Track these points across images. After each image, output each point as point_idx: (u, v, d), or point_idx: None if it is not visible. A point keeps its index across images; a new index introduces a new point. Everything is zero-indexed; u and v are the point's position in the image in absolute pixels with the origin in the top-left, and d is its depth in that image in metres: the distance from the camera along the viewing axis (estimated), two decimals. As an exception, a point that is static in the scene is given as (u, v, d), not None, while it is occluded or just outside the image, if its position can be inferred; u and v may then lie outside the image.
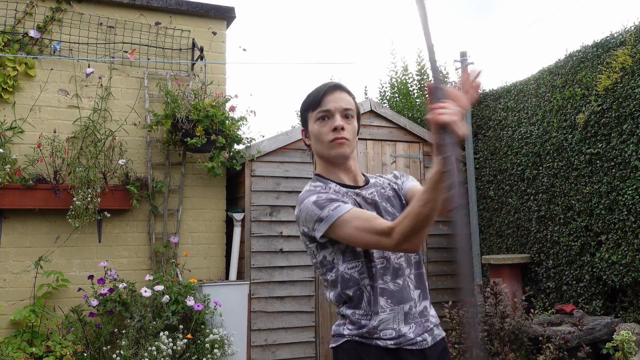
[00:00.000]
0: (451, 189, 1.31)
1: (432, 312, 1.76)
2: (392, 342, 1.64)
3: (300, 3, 18.88)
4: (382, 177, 1.91)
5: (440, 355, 1.72)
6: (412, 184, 1.87)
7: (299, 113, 1.88)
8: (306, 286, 5.16)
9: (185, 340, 4.25)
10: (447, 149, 1.33)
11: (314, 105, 1.75)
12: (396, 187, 1.86)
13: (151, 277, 4.58)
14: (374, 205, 1.75)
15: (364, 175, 1.86)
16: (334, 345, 1.73)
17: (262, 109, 14.49)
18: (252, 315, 4.94)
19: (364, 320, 1.66)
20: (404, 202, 1.83)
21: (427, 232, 1.56)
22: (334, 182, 1.77)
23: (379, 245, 1.59)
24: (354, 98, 1.79)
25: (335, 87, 1.76)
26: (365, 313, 1.67)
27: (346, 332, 1.69)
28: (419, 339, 1.67)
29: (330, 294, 1.75)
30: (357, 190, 1.77)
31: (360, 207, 1.72)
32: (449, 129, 1.33)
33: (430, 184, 1.45)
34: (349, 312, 1.69)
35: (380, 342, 1.64)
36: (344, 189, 1.75)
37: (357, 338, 1.66)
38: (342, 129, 1.71)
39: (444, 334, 1.78)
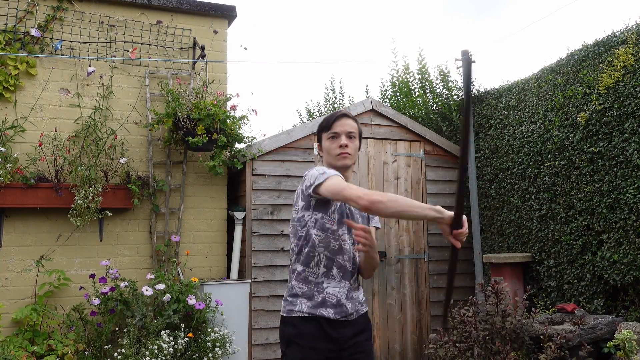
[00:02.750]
0: None
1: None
2: (333, 309, 2.23)
3: (301, 2, 18.86)
4: None
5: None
6: None
7: (317, 133, 2.47)
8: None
9: (186, 339, 4.26)
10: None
11: (326, 127, 2.38)
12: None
13: (152, 276, 4.58)
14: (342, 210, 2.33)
15: None
16: (283, 314, 2.28)
17: (263, 107, 14.51)
18: (253, 314, 4.94)
19: (311, 277, 2.25)
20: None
21: (382, 210, 1.97)
22: None
23: (351, 197, 2.03)
24: (357, 123, 2.40)
25: (343, 115, 2.37)
26: (315, 273, 2.25)
27: (297, 306, 2.24)
28: (354, 313, 2.28)
29: (293, 244, 2.32)
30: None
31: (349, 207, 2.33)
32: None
33: (419, 211, 2.03)
34: (299, 267, 2.27)
35: (324, 311, 2.22)
36: None
37: (305, 309, 2.22)
38: (346, 146, 2.32)
39: (366, 309, 2.38)
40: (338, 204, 2.28)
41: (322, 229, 2.25)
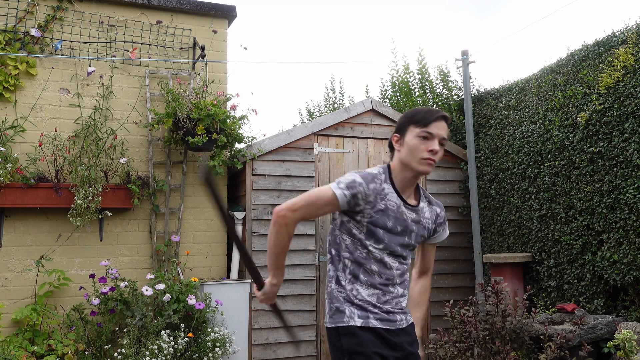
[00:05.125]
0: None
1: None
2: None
3: (301, 2, 18.87)
4: (432, 204, 2.23)
5: None
6: (438, 239, 2.28)
7: (401, 120, 2.13)
8: (307, 285, 5.16)
9: (186, 339, 4.26)
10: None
11: (421, 123, 2.05)
12: (430, 227, 2.21)
13: (152, 276, 4.58)
14: (401, 223, 2.08)
15: (419, 191, 2.20)
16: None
17: (263, 107, 14.53)
18: (253, 314, 4.94)
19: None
20: (425, 238, 2.22)
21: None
22: (394, 187, 2.09)
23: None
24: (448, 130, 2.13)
25: (444, 118, 2.07)
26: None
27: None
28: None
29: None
30: (404, 208, 2.10)
31: (404, 218, 2.09)
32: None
33: (271, 259, 2.10)
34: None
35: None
36: (398, 200, 2.08)
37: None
38: (436, 153, 2.04)
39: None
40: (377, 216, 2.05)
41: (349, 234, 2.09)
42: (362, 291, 2.05)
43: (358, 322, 2.02)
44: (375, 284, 2.06)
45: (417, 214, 2.13)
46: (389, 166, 2.14)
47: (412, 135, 2.06)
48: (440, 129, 2.04)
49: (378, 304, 2.05)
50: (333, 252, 2.12)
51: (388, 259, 2.08)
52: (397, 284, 2.12)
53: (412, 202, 2.14)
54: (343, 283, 2.07)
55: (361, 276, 2.06)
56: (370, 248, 2.06)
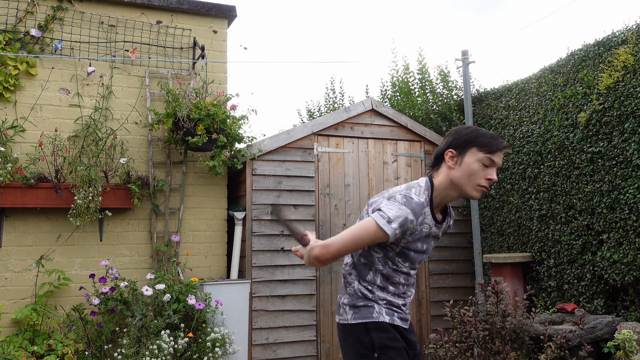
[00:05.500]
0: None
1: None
2: None
3: (301, 2, 18.87)
4: (449, 217, 2.24)
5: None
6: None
7: (461, 137, 2.06)
8: (307, 285, 5.16)
9: (186, 339, 4.26)
10: None
11: (487, 149, 2.01)
12: (439, 235, 2.23)
13: (152, 276, 4.58)
14: (426, 242, 2.14)
15: (446, 205, 2.20)
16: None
17: (263, 107, 14.51)
18: (253, 314, 4.94)
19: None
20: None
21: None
22: (431, 207, 2.07)
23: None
24: None
25: (507, 147, 2.06)
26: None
27: None
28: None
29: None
30: (434, 229, 2.12)
31: (427, 237, 2.12)
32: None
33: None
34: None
35: None
36: (431, 222, 2.09)
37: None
38: (493, 182, 2.05)
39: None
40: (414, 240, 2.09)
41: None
42: (390, 298, 2.16)
43: (386, 318, 2.10)
44: (400, 293, 2.18)
45: (438, 229, 2.17)
46: (432, 183, 2.10)
47: (473, 158, 2.01)
48: (501, 158, 2.04)
49: (401, 307, 2.19)
50: (362, 260, 2.17)
51: (411, 272, 2.20)
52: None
53: (439, 216, 2.17)
54: (370, 288, 2.15)
55: (390, 287, 2.15)
56: (399, 264, 2.14)
